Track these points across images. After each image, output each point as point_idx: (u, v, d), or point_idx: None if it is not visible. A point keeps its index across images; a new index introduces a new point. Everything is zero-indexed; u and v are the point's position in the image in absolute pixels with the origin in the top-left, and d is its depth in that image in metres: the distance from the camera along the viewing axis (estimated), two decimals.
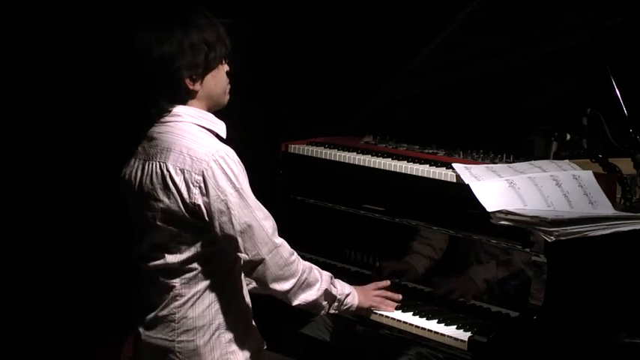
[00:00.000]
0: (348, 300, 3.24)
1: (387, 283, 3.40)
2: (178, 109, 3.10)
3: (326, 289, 3.16)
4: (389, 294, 3.37)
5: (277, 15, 4.58)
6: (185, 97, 3.10)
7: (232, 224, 3.01)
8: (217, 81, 3.14)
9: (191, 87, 3.09)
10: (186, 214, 3.03)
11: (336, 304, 3.20)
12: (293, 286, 3.09)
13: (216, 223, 3.01)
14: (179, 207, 3.03)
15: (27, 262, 4.24)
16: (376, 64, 4.59)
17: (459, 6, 3.67)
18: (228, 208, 3.01)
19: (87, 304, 4.30)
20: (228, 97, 3.19)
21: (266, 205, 3.15)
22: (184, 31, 3.06)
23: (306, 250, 3.76)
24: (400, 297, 3.37)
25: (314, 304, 3.15)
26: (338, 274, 3.57)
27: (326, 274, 3.19)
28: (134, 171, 3.13)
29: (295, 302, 3.12)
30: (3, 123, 4.15)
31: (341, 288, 3.22)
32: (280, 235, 3.13)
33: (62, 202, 4.26)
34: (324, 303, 3.17)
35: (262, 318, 3.28)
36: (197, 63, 3.07)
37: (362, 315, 3.35)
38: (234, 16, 3.21)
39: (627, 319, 3.19)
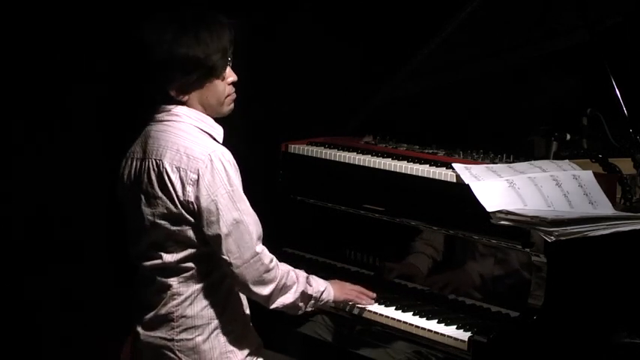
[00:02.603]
0: (324, 296, 3.26)
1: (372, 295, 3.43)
2: (178, 110, 3.12)
3: (302, 291, 3.19)
4: (364, 289, 3.40)
5: (277, 15, 4.57)
6: (175, 102, 3.12)
7: (219, 225, 3.02)
8: (210, 93, 3.12)
9: (177, 97, 3.11)
10: (182, 211, 3.04)
11: (312, 302, 3.24)
12: (272, 291, 3.12)
13: (204, 222, 3.02)
14: (175, 204, 3.04)
15: (27, 261, 4.24)
16: (376, 64, 4.59)
17: (459, 6, 3.67)
18: (217, 208, 3.02)
19: (87, 304, 4.30)
20: (229, 107, 3.18)
21: (266, 205, 3.15)
22: (174, 44, 3.02)
23: (306, 250, 3.77)
24: (374, 295, 3.39)
25: (291, 306, 3.19)
26: (338, 274, 3.57)
27: (302, 276, 3.22)
28: (132, 170, 3.14)
29: (273, 306, 3.15)
30: (2, 122, 4.15)
31: (316, 285, 3.25)
32: (281, 235, 3.14)
33: (62, 202, 4.26)
34: (301, 304, 3.21)
35: (260, 317, 3.29)
36: (178, 78, 3.06)
37: (360, 315, 3.36)
38: (234, 16, 3.20)
39: (627, 319, 3.19)
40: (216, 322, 3.11)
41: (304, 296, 3.20)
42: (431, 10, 4.29)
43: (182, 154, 3.04)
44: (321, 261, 3.73)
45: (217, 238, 3.03)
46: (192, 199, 3.02)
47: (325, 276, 3.53)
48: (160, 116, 3.13)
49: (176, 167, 3.04)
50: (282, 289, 3.14)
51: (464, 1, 3.65)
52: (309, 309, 3.25)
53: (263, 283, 3.09)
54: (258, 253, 3.07)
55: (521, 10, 3.81)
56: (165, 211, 3.05)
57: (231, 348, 3.14)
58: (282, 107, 4.55)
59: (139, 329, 3.16)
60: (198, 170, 3.02)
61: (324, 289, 3.26)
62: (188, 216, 3.04)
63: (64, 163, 4.25)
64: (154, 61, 3.05)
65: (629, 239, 3.11)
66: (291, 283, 3.16)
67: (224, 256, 3.04)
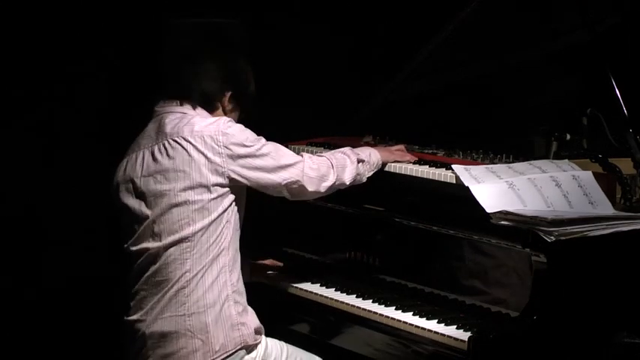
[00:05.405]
0: (373, 159, 3.43)
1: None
2: (189, 106, 3.24)
3: (357, 159, 3.38)
4: (405, 149, 3.58)
5: (278, 15, 4.58)
6: (211, 105, 3.26)
7: (273, 171, 3.19)
8: (236, 112, 3.32)
9: (224, 103, 3.28)
10: (209, 181, 3.13)
11: (367, 166, 3.41)
12: (335, 179, 3.32)
13: (254, 176, 3.17)
14: (203, 174, 3.13)
15: (27, 261, 4.25)
16: (376, 64, 4.59)
17: (460, 6, 3.67)
18: (262, 161, 3.19)
19: (87, 303, 4.30)
20: None
21: (266, 206, 3.15)
22: (246, 56, 3.31)
23: (306, 250, 3.77)
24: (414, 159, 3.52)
25: (357, 175, 3.38)
26: (338, 274, 3.58)
27: (344, 150, 3.40)
28: (140, 158, 3.20)
29: (348, 181, 3.35)
30: (3, 121, 4.16)
31: (361, 152, 3.42)
32: (281, 235, 3.15)
33: (62, 201, 4.26)
34: (362, 169, 3.39)
35: (258, 317, 3.29)
36: (243, 88, 3.30)
37: (359, 315, 3.36)
38: (235, 16, 3.22)
39: (627, 319, 3.19)
40: (225, 294, 3.16)
41: (359, 161, 3.38)
42: (431, 11, 4.29)
43: (201, 127, 3.16)
44: (321, 261, 3.73)
45: (274, 184, 3.21)
46: (229, 167, 3.14)
47: (324, 276, 3.55)
48: (171, 107, 3.23)
49: (200, 137, 3.14)
50: (339, 167, 3.33)
51: (465, 1, 3.66)
52: (367, 174, 3.41)
53: (327, 178, 3.30)
54: (302, 161, 3.26)
55: (522, 10, 3.81)
56: (187, 182, 3.13)
57: (243, 320, 3.19)
58: (282, 107, 4.55)
59: (145, 317, 3.18)
60: (222, 140, 3.13)
61: (368, 152, 3.42)
62: (215, 183, 3.13)
63: (64, 162, 4.25)
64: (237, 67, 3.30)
65: (629, 239, 3.11)
66: (342, 159, 3.35)
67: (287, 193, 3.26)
